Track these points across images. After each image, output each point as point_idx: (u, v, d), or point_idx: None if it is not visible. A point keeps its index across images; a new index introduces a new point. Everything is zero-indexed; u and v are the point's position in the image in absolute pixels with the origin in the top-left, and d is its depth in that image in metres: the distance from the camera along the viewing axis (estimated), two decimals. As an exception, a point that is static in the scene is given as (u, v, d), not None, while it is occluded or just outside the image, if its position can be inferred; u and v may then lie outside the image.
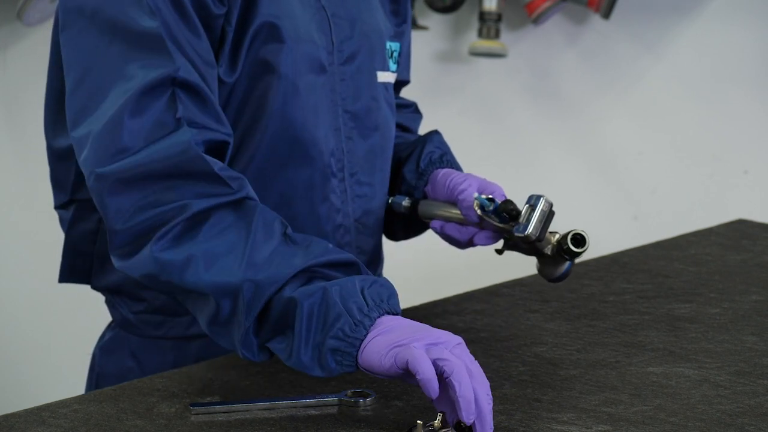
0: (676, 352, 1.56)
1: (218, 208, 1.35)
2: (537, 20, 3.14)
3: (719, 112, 3.30)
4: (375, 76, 1.66)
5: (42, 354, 3.30)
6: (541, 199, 1.52)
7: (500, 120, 3.36)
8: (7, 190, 3.16)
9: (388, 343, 1.26)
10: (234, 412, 1.33)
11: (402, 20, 1.78)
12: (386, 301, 1.32)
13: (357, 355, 1.28)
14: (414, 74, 1.91)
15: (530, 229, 1.51)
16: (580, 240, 1.52)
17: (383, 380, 1.43)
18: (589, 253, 2.17)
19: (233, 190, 1.36)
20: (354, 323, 1.28)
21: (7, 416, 1.32)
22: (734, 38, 3.24)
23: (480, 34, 3.15)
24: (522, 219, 1.52)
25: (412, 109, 1.91)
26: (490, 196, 1.57)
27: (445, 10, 3.16)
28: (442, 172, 1.70)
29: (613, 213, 3.37)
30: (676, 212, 3.32)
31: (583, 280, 1.93)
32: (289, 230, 1.36)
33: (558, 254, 1.53)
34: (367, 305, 1.29)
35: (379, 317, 1.29)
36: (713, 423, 1.31)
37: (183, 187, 1.34)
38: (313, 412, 1.34)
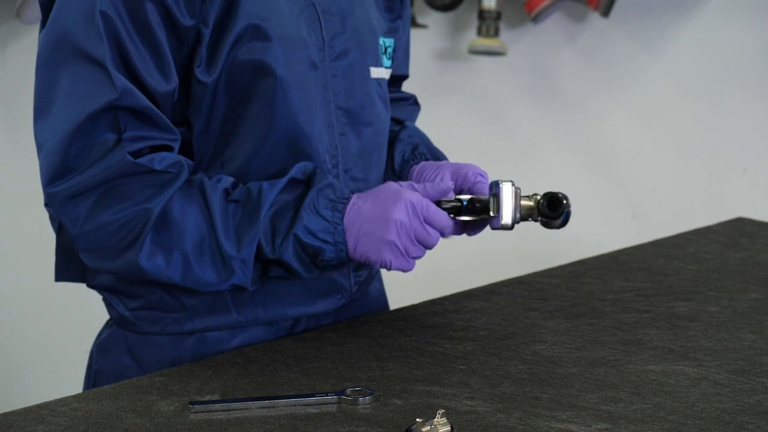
0: (676, 350, 1.56)
1: (173, 200, 1.47)
2: (536, 18, 3.14)
3: (718, 110, 3.30)
4: (368, 72, 1.66)
5: (41, 352, 3.30)
6: (502, 185, 1.53)
7: (499, 118, 3.36)
8: (6, 188, 3.16)
9: (369, 240, 1.50)
10: (233, 410, 1.33)
11: (396, 16, 1.78)
12: (334, 197, 1.51)
13: (349, 257, 1.52)
14: (414, 72, 1.91)
15: (503, 219, 1.53)
16: (554, 203, 1.54)
17: (382, 379, 1.43)
18: (589, 251, 2.18)
19: (174, 174, 1.48)
20: (333, 245, 1.50)
21: (6, 414, 1.32)
22: (733, 37, 3.24)
23: (479, 33, 3.15)
24: (492, 210, 1.53)
25: (410, 102, 1.91)
26: (459, 198, 1.56)
27: (444, 8, 3.16)
28: (417, 170, 1.72)
29: (612, 211, 3.37)
30: (675, 210, 3.32)
31: (582, 279, 1.93)
32: (230, 189, 1.51)
33: (545, 216, 1.54)
34: (329, 221, 1.50)
35: (341, 219, 1.50)
36: (712, 421, 1.31)
37: (130, 185, 1.45)
38: (312, 410, 1.34)
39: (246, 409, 1.33)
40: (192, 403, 1.34)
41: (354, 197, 1.52)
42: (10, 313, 3.28)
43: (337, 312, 1.69)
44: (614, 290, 1.87)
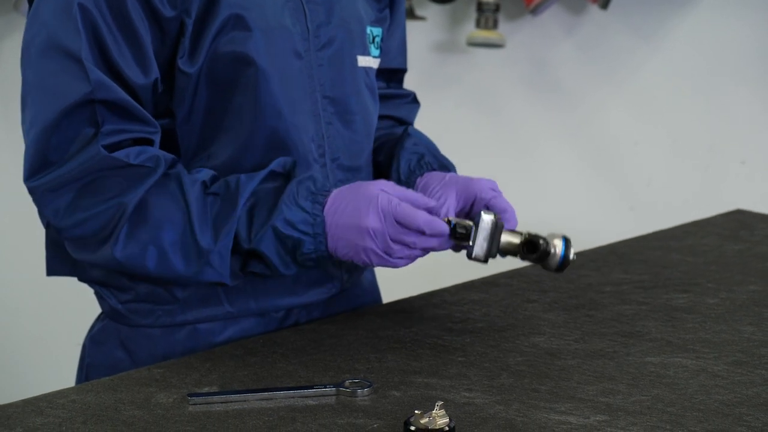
0: (674, 342, 1.56)
1: (150, 192, 1.46)
2: (535, 11, 3.13)
3: (715, 103, 3.30)
4: (355, 62, 1.66)
5: (37, 345, 3.30)
6: (482, 217, 1.50)
7: (498, 111, 3.36)
8: (4, 182, 3.16)
9: (347, 243, 1.48)
10: (232, 402, 1.33)
11: (384, 5, 1.77)
12: (315, 189, 1.50)
13: (328, 254, 1.50)
14: (411, 65, 1.91)
15: (476, 251, 1.50)
16: (532, 245, 1.51)
17: (381, 371, 1.43)
18: (587, 243, 2.17)
19: (151, 168, 1.47)
20: (313, 237, 1.48)
21: (4, 406, 1.32)
22: (730, 30, 3.24)
23: (478, 25, 3.15)
24: (471, 239, 1.51)
25: (409, 99, 1.90)
26: (449, 219, 1.54)
27: (442, 0, 3.16)
28: (422, 183, 1.68)
29: (609, 204, 3.37)
30: (672, 203, 3.32)
31: (580, 271, 1.92)
32: (208, 182, 1.50)
33: (522, 255, 1.53)
34: (309, 212, 1.48)
35: (321, 211, 1.49)
36: (711, 413, 1.31)
37: (107, 179, 1.45)
38: (310, 402, 1.34)
39: (244, 401, 1.33)
40: (191, 395, 1.34)
41: (334, 193, 1.50)
42: (6, 307, 3.28)
43: (329, 303, 1.69)
44: (612, 282, 1.87)
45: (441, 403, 1.24)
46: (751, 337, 1.59)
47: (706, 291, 1.82)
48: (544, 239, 1.51)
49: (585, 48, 3.30)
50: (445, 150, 1.81)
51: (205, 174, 1.51)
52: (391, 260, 1.49)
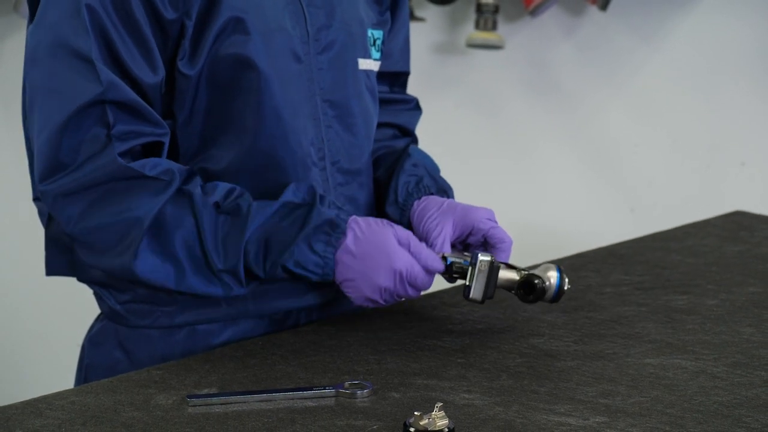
0: (673, 343, 1.56)
1: (164, 208, 1.47)
2: (534, 12, 3.13)
3: (716, 103, 3.30)
4: (356, 65, 1.66)
5: (38, 346, 3.29)
6: (479, 259, 1.52)
7: (497, 112, 3.36)
8: (5, 182, 3.16)
9: (355, 290, 1.52)
10: (231, 403, 1.33)
11: (386, 8, 1.77)
12: (331, 232, 1.51)
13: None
14: (411, 66, 1.91)
15: (473, 293, 1.53)
16: (529, 286, 1.53)
17: (380, 372, 1.43)
18: (587, 244, 2.17)
19: (167, 182, 1.48)
20: (321, 277, 1.51)
21: (3, 408, 1.32)
22: (730, 30, 3.24)
23: (477, 26, 3.15)
24: (467, 279, 1.53)
25: (411, 106, 1.89)
26: (444, 255, 1.56)
27: (442, 1, 3.15)
28: (419, 210, 1.69)
29: (610, 205, 3.37)
30: (672, 204, 3.32)
31: (580, 272, 1.92)
32: (221, 202, 1.50)
33: (517, 295, 1.55)
34: (321, 255, 1.50)
35: (334, 254, 1.50)
36: (710, 414, 1.31)
37: (121, 189, 1.46)
38: (310, 403, 1.34)
39: (244, 402, 1.33)
40: (190, 396, 1.34)
41: (350, 236, 1.51)
42: (6, 307, 3.27)
43: (328, 305, 1.69)
44: (612, 283, 1.87)
45: (440, 404, 1.24)
46: (751, 338, 1.59)
47: (705, 292, 1.82)
48: (540, 277, 1.53)
49: (584, 49, 3.30)
50: (445, 152, 1.81)
51: (220, 191, 1.51)
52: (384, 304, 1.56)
